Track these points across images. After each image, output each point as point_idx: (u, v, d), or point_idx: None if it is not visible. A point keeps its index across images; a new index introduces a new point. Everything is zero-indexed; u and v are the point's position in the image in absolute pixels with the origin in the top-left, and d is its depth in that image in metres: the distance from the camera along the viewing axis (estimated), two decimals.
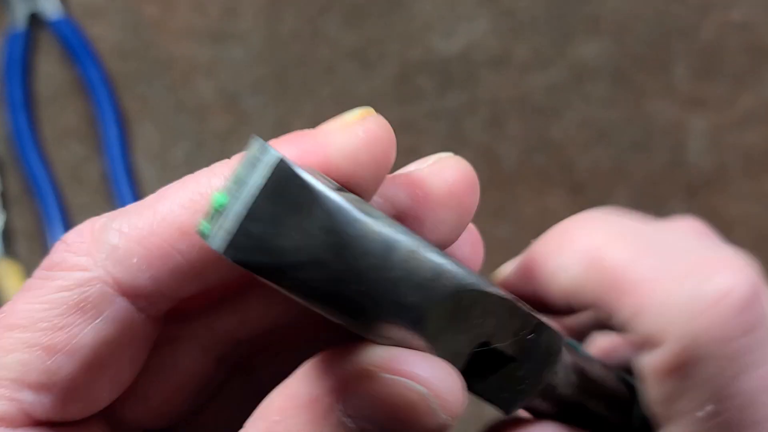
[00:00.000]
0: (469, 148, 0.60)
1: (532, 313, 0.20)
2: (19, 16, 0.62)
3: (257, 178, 0.16)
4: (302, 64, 0.62)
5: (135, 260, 0.18)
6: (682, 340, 0.19)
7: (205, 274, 0.19)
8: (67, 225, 0.58)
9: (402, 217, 0.21)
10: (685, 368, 0.19)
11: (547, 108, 0.61)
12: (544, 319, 0.20)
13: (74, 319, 0.18)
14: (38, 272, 0.19)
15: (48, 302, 0.18)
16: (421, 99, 0.61)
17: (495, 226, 0.58)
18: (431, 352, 0.18)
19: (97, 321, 0.18)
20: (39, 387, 0.18)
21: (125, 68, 0.62)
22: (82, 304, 0.18)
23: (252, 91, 0.61)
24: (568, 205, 0.59)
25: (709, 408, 0.19)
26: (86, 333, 0.18)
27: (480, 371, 0.19)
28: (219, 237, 0.16)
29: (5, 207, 0.59)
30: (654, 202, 0.59)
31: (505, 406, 0.20)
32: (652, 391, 0.21)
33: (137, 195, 0.59)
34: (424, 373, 0.17)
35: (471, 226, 0.22)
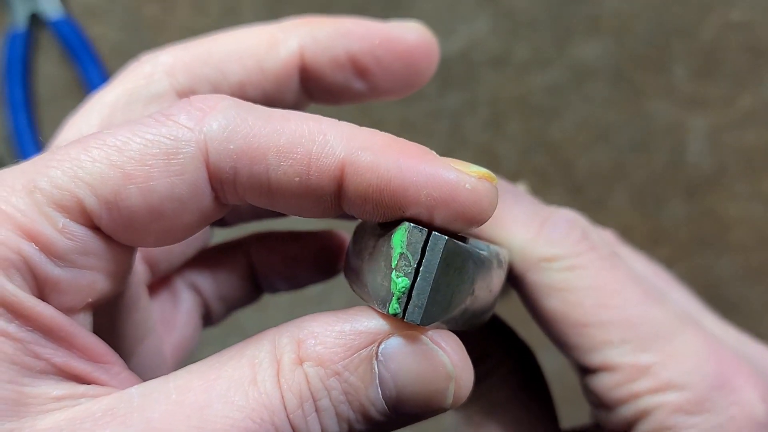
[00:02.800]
0: (469, 147, 0.60)
1: None
2: (20, 16, 0.62)
3: (434, 259, 0.20)
4: None
5: (232, 147, 0.20)
6: (553, 259, 0.27)
7: (274, 200, 0.21)
8: None
9: (353, 65, 0.26)
10: (564, 284, 0.26)
11: (546, 108, 0.61)
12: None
13: (160, 164, 0.20)
14: (156, 113, 0.21)
15: (147, 140, 0.20)
16: (421, 99, 0.61)
17: None
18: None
19: (176, 177, 0.20)
20: (104, 202, 0.20)
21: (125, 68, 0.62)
22: (172, 156, 0.20)
23: None
24: (568, 204, 0.59)
25: (591, 299, 0.26)
26: (163, 181, 0.20)
27: None
28: (416, 314, 0.20)
29: None
30: (653, 202, 0.59)
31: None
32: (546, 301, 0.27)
33: None
34: (458, 360, 0.21)
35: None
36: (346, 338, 0.20)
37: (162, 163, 0.20)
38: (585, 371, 0.27)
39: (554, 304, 0.26)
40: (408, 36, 0.26)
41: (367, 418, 0.21)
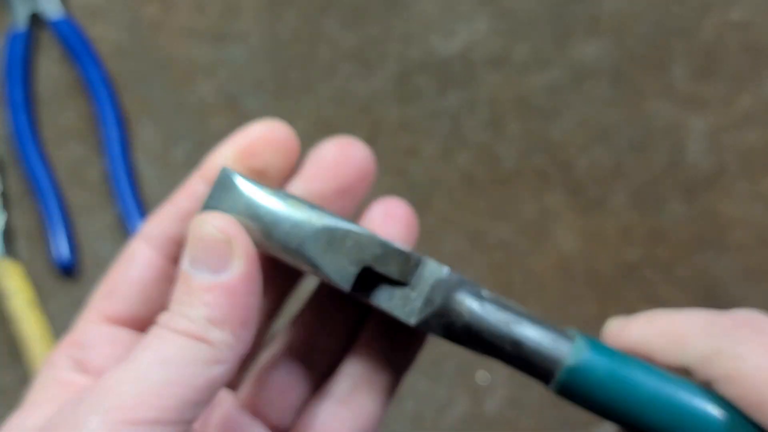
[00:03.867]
0: (469, 147, 0.60)
1: (410, 251, 0.28)
2: (20, 16, 0.62)
3: (214, 182, 0.28)
4: (302, 64, 0.62)
5: (152, 226, 0.31)
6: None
7: None
8: (68, 225, 0.58)
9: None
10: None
11: (546, 108, 0.61)
12: (430, 259, 0.28)
13: (126, 265, 0.31)
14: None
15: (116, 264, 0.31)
16: (420, 99, 0.61)
17: (494, 226, 0.58)
18: (317, 269, 0.27)
19: (138, 266, 0.30)
20: (106, 296, 0.30)
21: (125, 68, 0.62)
22: (128, 256, 0.31)
23: (252, 91, 0.62)
24: (568, 204, 0.59)
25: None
26: (125, 271, 0.31)
27: (375, 289, 0.28)
28: (201, 209, 0.28)
29: (6, 207, 0.59)
30: (653, 202, 0.59)
31: (406, 317, 0.28)
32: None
33: (138, 195, 0.59)
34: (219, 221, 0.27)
35: (402, 209, 0.32)
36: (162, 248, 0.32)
37: (127, 264, 0.32)
38: None
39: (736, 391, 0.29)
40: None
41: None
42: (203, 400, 0.25)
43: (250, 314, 0.26)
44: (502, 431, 0.55)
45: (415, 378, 0.54)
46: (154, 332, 0.26)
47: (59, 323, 0.57)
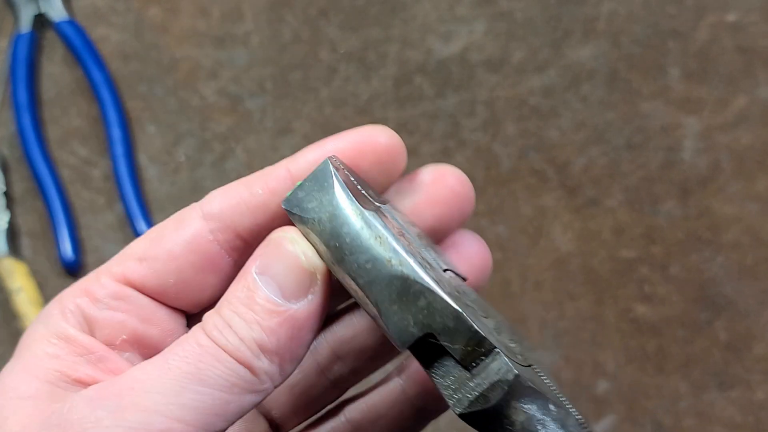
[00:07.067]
0: (467, 148, 0.60)
1: (485, 336, 0.24)
2: (25, 17, 0.62)
3: (312, 172, 0.25)
4: (303, 66, 0.63)
5: (216, 203, 0.27)
6: None
7: (256, 216, 0.27)
8: (72, 224, 0.59)
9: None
10: None
11: (543, 109, 0.61)
12: (504, 352, 0.24)
13: (172, 232, 0.27)
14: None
15: (163, 224, 0.28)
16: (419, 100, 0.61)
17: (492, 224, 0.59)
18: (378, 316, 0.24)
19: (183, 239, 0.27)
20: (138, 259, 0.27)
21: (128, 70, 0.63)
22: (178, 222, 0.27)
23: (253, 93, 0.62)
24: (564, 204, 0.59)
25: None
26: (170, 241, 0.27)
27: (434, 359, 0.25)
28: (285, 198, 0.25)
29: (10, 206, 0.60)
30: (649, 202, 0.59)
31: (453, 404, 0.24)
32: None
33: (141, 194, 0.59)
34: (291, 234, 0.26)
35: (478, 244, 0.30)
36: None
37: (169, 231, 0.27)
38: None
39: None
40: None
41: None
42: (225, 426, 0.24)
43: (303, 351, 0.25)
44: None
45: None
46: (198, 338, 0.24)
47: None
